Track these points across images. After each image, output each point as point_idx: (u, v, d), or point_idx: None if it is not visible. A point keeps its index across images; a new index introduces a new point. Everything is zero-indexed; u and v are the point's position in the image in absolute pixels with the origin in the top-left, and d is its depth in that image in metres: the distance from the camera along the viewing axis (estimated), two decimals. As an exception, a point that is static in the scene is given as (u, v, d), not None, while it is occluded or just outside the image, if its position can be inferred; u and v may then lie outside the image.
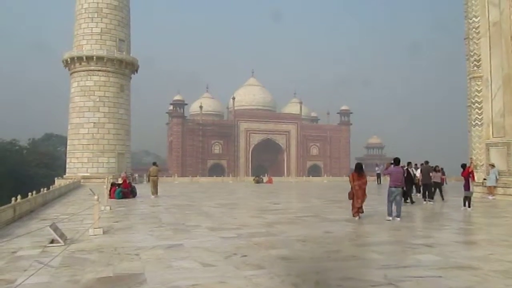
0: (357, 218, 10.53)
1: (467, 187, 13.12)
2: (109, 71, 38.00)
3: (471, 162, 15.99)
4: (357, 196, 10.73)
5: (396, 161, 11.19)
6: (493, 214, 12.51)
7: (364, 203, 10.92)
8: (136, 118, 44.26)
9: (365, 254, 6.29)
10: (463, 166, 13.82)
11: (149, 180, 20.30)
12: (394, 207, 10.57)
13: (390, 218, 10.43)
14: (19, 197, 11.52)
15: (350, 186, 11.03)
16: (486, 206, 14.33)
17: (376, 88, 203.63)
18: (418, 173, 17.45)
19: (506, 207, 14.11)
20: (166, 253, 6.34)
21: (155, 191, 19.24)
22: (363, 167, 11.36)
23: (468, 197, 13.11)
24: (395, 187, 10.66)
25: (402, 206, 11.02)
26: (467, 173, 13.31)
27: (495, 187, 17.36)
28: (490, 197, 17.02)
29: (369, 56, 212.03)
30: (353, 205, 10.84)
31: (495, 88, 18.03)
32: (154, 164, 20.81)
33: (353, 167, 11.49)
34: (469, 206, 12.96)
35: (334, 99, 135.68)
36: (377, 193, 18.52)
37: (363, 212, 10.84)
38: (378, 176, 32.11)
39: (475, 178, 13.41)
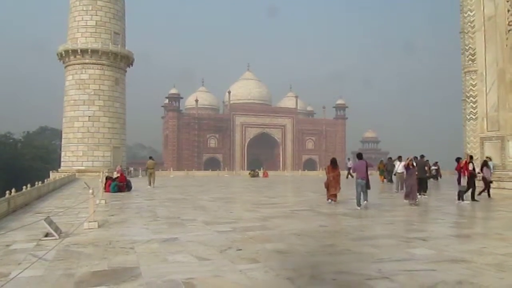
0: (332, 202, 12.70)
1: (460, 181, 13.26)
2: (104, 64, 37.74)
3: (469, 157, 16.00)
4: (331, 185, 12.83)
5: (359, 156, 12.59)
6: (487, 207, 12.60)
7: (338, 192, 12.94)
8: (131, 112, 44.02)
9: (359, 248, 6.32)
10: (458, 159, 13.90)
11: (146, 173, 22.49)
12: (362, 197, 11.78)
13: (359, 207, 11.47)
14: (13, 190, 11.47)
15: (327, 177, 13.10)
16: (480, 200, 14.41)
17: (372, 82, 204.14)
18: (400, 167, 17.30)
19: (500, 200, 14.21)
20: (161, 246, 6.34)
21: (151, 182, 21.37)
22: (337, 161, 13.66)
23: (462, 191, 13.23)
24: (361, 179, 11.82)
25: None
26: (459, 167, 13.42)
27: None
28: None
29: (365, 50, 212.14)
30: (327, 191, 12.97)
31: (490, 82, 18.09)
32: (151, 158, 22.91)
33: (348, 162, 13.60)
34: (462, 200, 13.07)
35: (330, 93, 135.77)
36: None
37: (336, 200, 12.82)
38: (349, 170, 29.74)
39: (468, 172, 13.44)
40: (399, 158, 18.22)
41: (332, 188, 12.81)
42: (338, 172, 13.05)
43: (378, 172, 26.06)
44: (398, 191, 16.99)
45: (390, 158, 26.13)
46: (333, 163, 13.12)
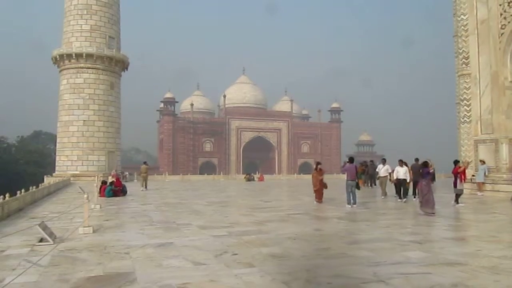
0: (316, 203, 14.00)
1: (455, 184, 13.35)
2: (99, 69, 37.68)
3: (468, 163, 16.07)
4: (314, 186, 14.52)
5: (351, 160, 13.55)
6: (481, 210, 12.65)
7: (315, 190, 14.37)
8: (126, 116, 43.99)
9: (355, 251, 6.32)
10: (455, 162, 13.96)
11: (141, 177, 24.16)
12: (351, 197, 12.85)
13: (349, 206, 12.64)
14: (7, 195, 11.39)
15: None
16: (475, 203, 14.48)
17: (367, 85, 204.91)
18: (383, 171, 16.98)
19: (494, 203, 14.27)
20: (157, 251, 6.32)
21: (144, 186, 22.98)
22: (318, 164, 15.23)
23: (457, 194, 13.30)
24: (351, 180, 12.89)
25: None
26: (456, 171, 13.48)
27: (483, 183, 17.54)
28: (479, 194, 17.20)
29: (360, 54, 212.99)
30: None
31: (483, 85, 18.21)
32: (145, 163, 25.09)
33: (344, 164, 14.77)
34: (458, 203, 13.14)
35: (325, 96, 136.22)
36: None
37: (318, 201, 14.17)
38: None
39: (465, 177, 13.50)
40: (383, 161, 17.94)
41: (314, 188, 14.58)
42: (315, 174, 14.66)
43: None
44: (385, 196, 16.46)
45: (372, 161, 25.71)
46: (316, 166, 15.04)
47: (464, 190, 14.71)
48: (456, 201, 13.21)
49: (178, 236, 7.75)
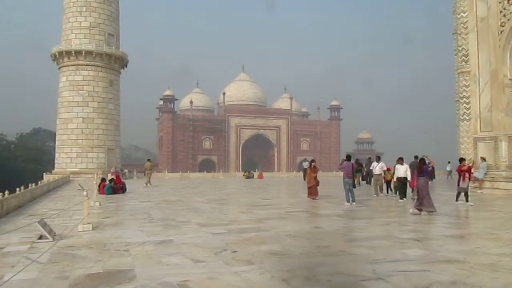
0: (309, 199, 14.49)
1: (459, 182, 13.33)
2: (98, 66, 37.62)
3: (472, 163, 16.10)
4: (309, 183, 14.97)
5: (348, 157, 13.85)
6: (480, 207, 12.65)
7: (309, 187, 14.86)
8: (125, 113, 43.95)
9: (354, 249, 6.33)
10: (461, 160, 13.95)
11: (145, 174, 25.73)
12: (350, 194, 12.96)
13: (349, 204, 12.67)
14: (6, 192, 11.39)
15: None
16: (474, 200, 14.47)
17: (367, 83, 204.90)
18: (377, 168, 16.78)
19: (494, 200, 14.30)
20: (156, 249, 6.33)
21: (148, 182, 23.83)
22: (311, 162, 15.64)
23: (459, 192, 13.31)
24: (348, 178, 13.15)
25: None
26: (459, 170, 13.50)
27: (483, 180, 17.57)
28: (479, 191, 17.23)
29: (359, 51, 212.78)
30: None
31: (483, 83, 18.22)
32: (149, 160, 26.98)
33: (304, 163, 15.41)
34: (456, 200, 13.16)
35: (324, 94, 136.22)
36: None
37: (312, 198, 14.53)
38: (305, 171, 26.97)
39: (469, 176, 13.49)
40: (377, 159, 17.62)
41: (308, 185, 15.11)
42: (311, 171, 15.05)
43: None
44: (378, 195, 16.31)
45: (370, 158, 25.62)
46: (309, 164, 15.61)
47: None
48: (466, 199, 13.07)
49: (178, 233, 7.76)
